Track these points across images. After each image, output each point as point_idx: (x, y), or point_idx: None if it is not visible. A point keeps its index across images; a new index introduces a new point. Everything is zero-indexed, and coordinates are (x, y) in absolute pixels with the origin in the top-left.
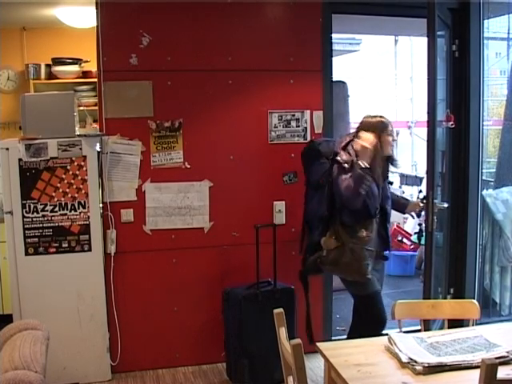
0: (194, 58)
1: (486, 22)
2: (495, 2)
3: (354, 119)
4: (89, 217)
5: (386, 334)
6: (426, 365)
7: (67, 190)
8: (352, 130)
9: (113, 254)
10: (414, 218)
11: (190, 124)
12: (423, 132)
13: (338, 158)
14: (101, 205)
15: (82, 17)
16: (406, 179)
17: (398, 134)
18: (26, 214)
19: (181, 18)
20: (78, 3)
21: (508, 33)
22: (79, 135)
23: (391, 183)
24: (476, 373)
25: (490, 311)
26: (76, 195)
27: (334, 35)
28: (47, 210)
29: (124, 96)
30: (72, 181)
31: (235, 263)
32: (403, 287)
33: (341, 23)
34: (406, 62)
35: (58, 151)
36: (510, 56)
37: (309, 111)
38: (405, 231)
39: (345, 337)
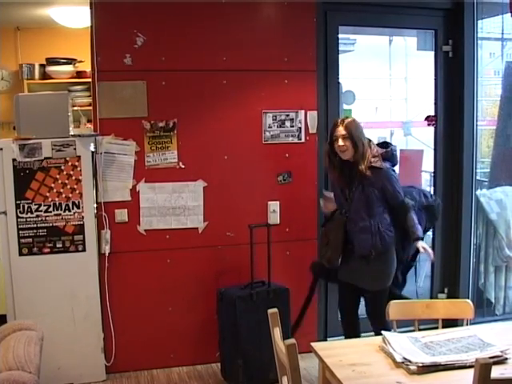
0: (188, 58)
1: (479, 22)
2: (489, 3)
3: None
4: (83, 217)
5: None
6: (421, 364)
7: (61, 190)
8: None
9: (107, 254)
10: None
11: (184, 124)
12: (418, 132)
13: None
14: (95, 205)
15: (76, 17)
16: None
17: (392, 134)
18: (20, 215)
19: (175, 18)
20: (72, 3)
21: (502, 33)
22: (73, 135)
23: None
24: (470, 372)
25: (485, 311)
26: (70, 195)
27: None
28: (41, 210)
29: (118, 96)
30: (66, 181)
31: (230, 263)
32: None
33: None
34: (400, 63)
35: (52, 151)
36: (504, 56)
37: (303, 111)
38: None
39: (340, 338)
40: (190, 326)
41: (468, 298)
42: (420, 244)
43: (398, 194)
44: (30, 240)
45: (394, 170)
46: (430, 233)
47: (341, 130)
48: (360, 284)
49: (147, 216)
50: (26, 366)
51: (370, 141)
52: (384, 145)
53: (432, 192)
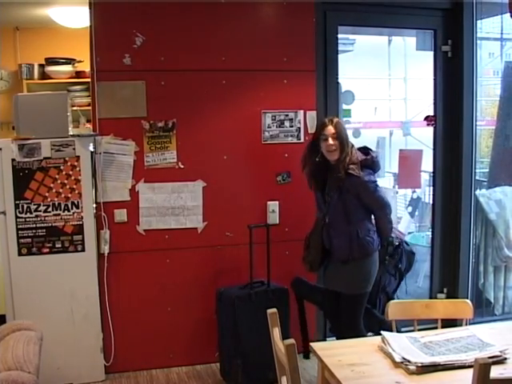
0: (187, 58)
1: (479, 22)
2: (488, 3)
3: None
4: (82, 217)
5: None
6: (420, 364)
7: (60, 191)
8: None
9: (106, 254)
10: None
11: (183, 124)
12: (417, 132)
13: None
14: (94, 205)
15: (75, 17)
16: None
17: (391, 134)
18: (19, 215)
19: (174, 18)
20: (72, 3)
21: (501, 33)
22: (72, 135)
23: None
24: (469, 372)
25: (484, 311)
26: (69, 195)
27: None
28: (40, 211)
29: (117, 96)
30: (65, 181)
31: (229, 263)
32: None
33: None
34: (399, 63)
35: (52, 151)
36: (503, 56)
37: (302, 111)
38: (399, 231)
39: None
40: (189, 325)
41: (467, 298)
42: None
43: (375, 200)
44: (29, 240)
45: (374, 180)
46: (428, 232)
47: (331, 129)
48: (337, 287)
49: (146, 216)
50: (25, 365)
51: (352, 146)
52: (364, 150)
53: (431, 192)
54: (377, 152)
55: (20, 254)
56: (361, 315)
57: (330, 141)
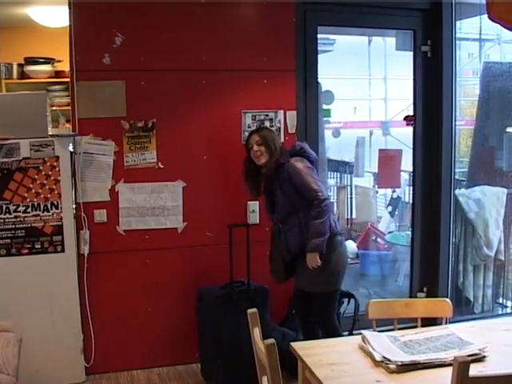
0: (167, 58)
1: (458, 22)
2: (467, 3)
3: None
4: (62, 217)
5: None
6: (400, 363)
7: (40, 191)
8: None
9: (86, 255)
10: None
11: (163, 124)
12: (397, 132)
13: None
14: (74, 205)
15: (54, 16)
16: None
17: (371, 133)
18: None
19: (154, 18)
20: (51, 3)
21: (480, 34)
22: (52, 135)
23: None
24: (449, 370)
25: (463, 309)
26: (49, 196)
27: None
28: (20, 211)
29: (97, 96)
30: (45, 181)
31: (209, 263)
32: (378, 286)
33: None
34: (379, 63)
35: (31, 151)
36: (482, 56)
37: (282, 111)
38: (379, 230)
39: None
40: (169, 326)
41: (447, 296)
42: (308, 257)
43: (306, 185)
44: (9, 241)
45: (306, 165)
46: (408, 232)
47: (255, 137)
48: (305, 287)
49: (126, 216)
50: (4, 367)
51: (282, 143)
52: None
53: (411, 192)
54: (304, 143)
55: None
56: (333, 313)
57: (255, 147)
